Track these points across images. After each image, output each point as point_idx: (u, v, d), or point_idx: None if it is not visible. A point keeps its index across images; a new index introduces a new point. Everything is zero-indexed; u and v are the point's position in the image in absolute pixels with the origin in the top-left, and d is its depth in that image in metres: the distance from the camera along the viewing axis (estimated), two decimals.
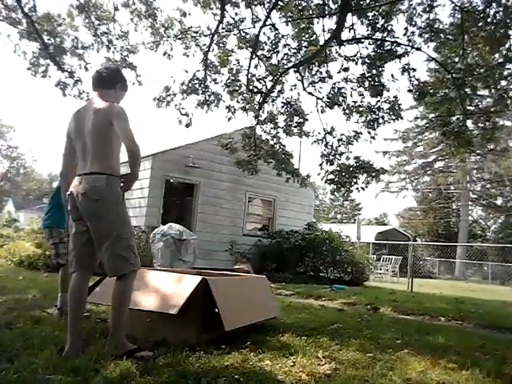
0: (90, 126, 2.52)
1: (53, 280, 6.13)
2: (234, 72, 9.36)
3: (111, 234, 2.45)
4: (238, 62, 9.38)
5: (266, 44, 9.13)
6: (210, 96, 9.41)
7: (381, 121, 9.04)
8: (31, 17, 9.00)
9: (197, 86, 9.28)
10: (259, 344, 2.90)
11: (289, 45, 9.18)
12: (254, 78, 9.29)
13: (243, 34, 9.05)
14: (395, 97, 8.83)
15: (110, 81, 2.72)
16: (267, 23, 8.64)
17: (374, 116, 9.06)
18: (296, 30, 9.05)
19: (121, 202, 2.54)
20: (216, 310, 2.78)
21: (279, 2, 8.46)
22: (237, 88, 9.35)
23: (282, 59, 9.25)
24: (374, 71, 8.67)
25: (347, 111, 9.35)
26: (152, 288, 2.94)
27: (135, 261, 2.52)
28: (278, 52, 9.19)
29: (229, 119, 9.42)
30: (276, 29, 9.00)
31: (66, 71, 9.66)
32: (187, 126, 9.39)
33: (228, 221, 11.40)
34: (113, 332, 2.46)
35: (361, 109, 9.20)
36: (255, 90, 9.36)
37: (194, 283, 2.84)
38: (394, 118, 8.95)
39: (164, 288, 2.91)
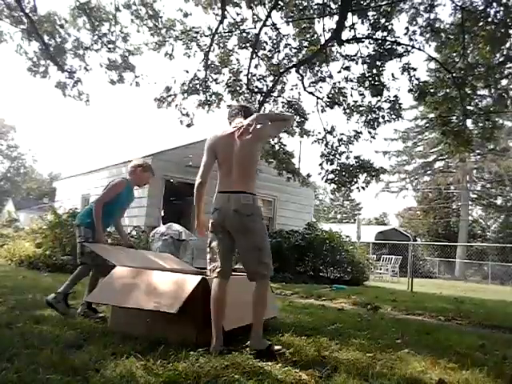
0: (239, 150, 2.84)
1: (53, 280, 6.13)
2: (235, 72, 9.37)
3: (259, 245, 2.78)
4: (239, 62, 9.39)
5: (267, 44, 9.15)
6: (210, 96, 9.42)
7: (381, 120, 9.06)
8: (31, 17, 8.99)
9: (198, 86, 9.29)
10: None
11: (290, 44, 9.20)
12: (254, 78, 9.30)
13: (244, 34, 9.05)
14: (395, 96, 8.85)
15: (252, 112, 3.17)
16: (268, 23, 8.66)
17: (374, 115, 9.07)
18: (297, 29, 9.06)
19: (262, 218, 2.95)
20: None
21: (280, 2, 8.46)
22: (238, 88, 9.35)
23: (283, 59, 9.26)
24: (375, 70, 8.68)
25: (347, 111, 9.36)
26: (152, 287, 2.94)
27: (271, 268, 2.83)
28: (278, 52, 9.20)
29: None
30: (277, 29, 9.02)
31: (65, 71, 9.64)
32: (188, 126, 9.40)
33: None
34: (256, 329, 2.70)
35: (361, 108, 9.21)
36: (256, 89, 9.37)
37: (194, 283, 2.84)
38: (394, 117, 8.96)
39: (164, 287, 2.91)
